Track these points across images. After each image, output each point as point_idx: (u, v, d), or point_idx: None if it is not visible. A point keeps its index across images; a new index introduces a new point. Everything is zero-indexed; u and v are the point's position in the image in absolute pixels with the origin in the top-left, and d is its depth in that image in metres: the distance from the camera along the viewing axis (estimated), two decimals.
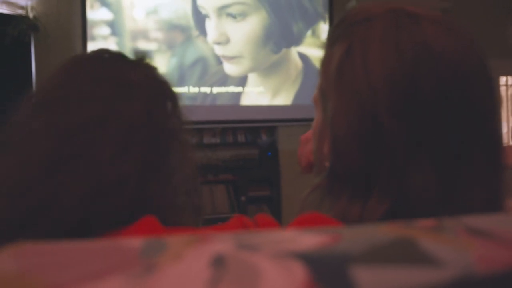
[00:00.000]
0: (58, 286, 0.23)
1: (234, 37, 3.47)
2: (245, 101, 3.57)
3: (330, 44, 0.50)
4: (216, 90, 3.49)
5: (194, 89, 3.46)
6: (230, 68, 3.51)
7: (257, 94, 3.56)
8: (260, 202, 3.70)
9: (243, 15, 3.48)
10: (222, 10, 3.45)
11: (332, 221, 0.43)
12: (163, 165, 0.55)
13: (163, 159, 0.55)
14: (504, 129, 1.07)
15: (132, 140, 0.52)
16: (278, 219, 3.56)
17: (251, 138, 3.75)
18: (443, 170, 0.43)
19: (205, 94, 3.48)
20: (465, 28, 0.48)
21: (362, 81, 0.44)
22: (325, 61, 0.49)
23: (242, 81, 3.55)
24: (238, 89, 3.53)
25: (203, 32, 3.41)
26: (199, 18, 3.41)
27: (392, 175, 0.43)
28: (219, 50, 3.46)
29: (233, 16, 3.46)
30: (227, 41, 3.46)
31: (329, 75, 0.47)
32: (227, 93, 3.52)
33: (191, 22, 3.40)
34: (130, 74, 0.58)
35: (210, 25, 3.43)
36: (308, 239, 0.27)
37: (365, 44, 0.45)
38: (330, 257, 0.25)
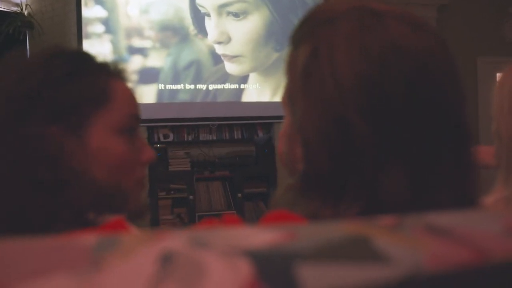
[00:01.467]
0: (5, 282, 0.23)
1: (235, 36, 3.46)
2: (245, 99, 3.56)
3: (294, 45, 0.49)
4: (215, 87, 3.48)
5: (190, 86, 3.46)
6: (231, 67, 3.51)
7: (257, 92, 3.56)
8: (257, 199, 3.71)
9: (244, 14, 3.48)
10: (222, 9, 3.44)
11: (298, 219, 0.43)
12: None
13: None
14: (493, 127, 1.07)
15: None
16: None
17: (248, 135, 3.75)
18: (413, 172, 0.43)
19: (202, 91, 3.48)
20: (430, 25, 0.47)
21: (329, 84, 0.43)
22: (290, 62, 0.48)
23: (242, 79, 3.54)
24: (238, 86, 3.52)
25: (201, 30, 3.41)
26: (198, 16, 3.40)
27: (363, 178, 0.42)
28: (220, 50, 3.46)
29: (234, 15, 3.45)
30: (228, 40, 3.46)
31: (295, 78, 0.46)
32: (227, 90, 3.52)
33: (187, 20, 3.39)
34: None
35: (210, 24, 3.43)
36: (261, 237, 0.27)
37: (331, 46, 0.44)
38: (278, 254, 0.25)
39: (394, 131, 0.42)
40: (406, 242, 0.27)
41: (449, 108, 0.44)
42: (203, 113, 3.51)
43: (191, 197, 3.52)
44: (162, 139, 3.56)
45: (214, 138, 3.68)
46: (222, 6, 3.44)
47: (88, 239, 0.28)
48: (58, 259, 0.25)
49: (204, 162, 3.65)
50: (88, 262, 0.24)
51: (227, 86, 3.50)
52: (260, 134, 3.74)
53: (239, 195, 3.62)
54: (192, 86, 3.46)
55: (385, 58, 0.42)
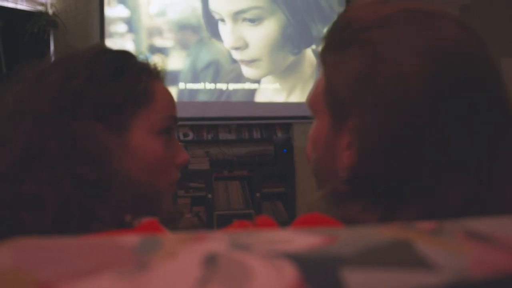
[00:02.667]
0: (52, 281, 0.24)
1: (251, 42, 3.47)
2: (260, 98, 3.56)
3: (336, 49, 0.48)
4: (231, 87, 3.49)
5: (210, 86, 3.47)
6: (248, 72, 3.52)
7: (273, 92, 3.56)
8: (275, 199, 3.70)
9: (260, 19, 3.48)
10: (238, 15, 3.45)
11: (332, 222, 0.42)
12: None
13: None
14: None
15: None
16: (293, 215, 3.55)
17: (267, 135, 3.74)
18: (471, 179, 0.43)
19: (220, 90, 3.49)
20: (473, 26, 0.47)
21: (396, 86, 0.42)
22: (334, 66, 0.47)
23: (258, 79, 3.55)
24: (254, 85, 3.53)
25: (215, 35, 3.42)
26: (211, 22, 3.42)
27: (425, 183, 0.42)
28: (237, 55, 3.47)
29: (250, 21, 3.46)
30: (245, 46, 3.47)
31: (346, 81, 0.45)
32: (243, 90, 3.52)
33: (203, 24, 3.41)
34: None
35: (225, 30, 3.44)
36: (302, 240, 0.27)
37: (392, 48, 0.43)
38: (322, 258, 0.25)
39: (457, 134, 0.42)
40: (449, 247, 0.27)
41: (502, 108, 0.44)
42: (222, 113, 3.53)
43: (209, 195, 3.53)
44: (182, 137, 3.58)
45: (234, 137, 3.69)
46: (238, 13, 3.45)
47: (130, 239, 0.28)
48: (103, 259, 0.25)
49: (223, 161, 3.67)
50: (134, 263, 0.25)
51: (242, 86, 3.51)
52: (279, 134, 3.74)
53: (258, 194, 3.62)
54: (211, 86, 3.47)
55: (446, 58, 0.43)
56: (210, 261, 0.25)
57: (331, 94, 0.48)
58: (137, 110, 0.61)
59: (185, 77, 3.41)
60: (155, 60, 0.67)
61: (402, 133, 0.42)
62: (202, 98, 3.47)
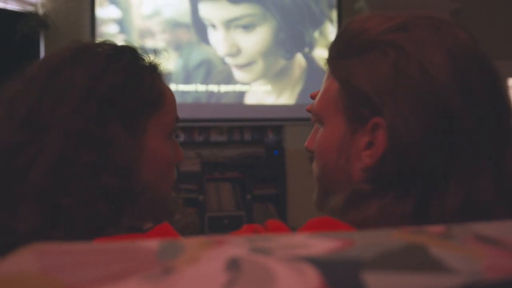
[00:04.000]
0: (79, 286, 0.24)
1: (244, 48, 3.49)
2: (250, 99, 3.57)
3: (354, 54, 0.49)
4: (222, 88, 3.50)
5: (201, 87, 3.47)
6: (241, 76, 3.53)
7: (263, 94, 3.57)
8: (266, 201, 3.71)
9: (252, 26, 3.50)
10: (231, 23, 3.46)
11: (343, 226, 0.43)
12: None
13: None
14: None
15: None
16: (284, 217, 3.56)
17: (258, 137, 3.75)
18: (496, 170, 0.46)
19: (211, 92, 3.49)
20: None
21: (427, 82, 0.45)
22: (358, 70, 0.48)
23: (249, 83, 3.56)
24: (244, 87, 3.54)
25: (204, 40, 3.42)
26: (200, 27, 3.42)
27: (462, 176, 0.45)
28: (230, 61, 3.48)
29: (243, 27, 3.48)
30: (238, 52, 3.49)
31: (375, 83, 0.47)
32: (233, 91, 3.53)
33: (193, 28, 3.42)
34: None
35: (218, 36, 3.45)
36: (321, 244, 0.28)
37: (418, 49, 0.46)
38: (342, 262, 0.25)
39: (483, 125, 0.46)
40: (461, 251, 0.28)
41: (509, 104, 0.49)
42: (214, 114, 3.53)
43: (201, 197, 3.53)
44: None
45: (225, 139, 3.69)
46: (231, 21, 3.47)
47: (151, 244, 0.28)
48: (129, 264, 0.26)
49: (215, 163, 3.67)
50: (159, 267, 0.25)
51: (232, 87, 3.52)
52: (271, 136, 3.75)
53: (249, 196, 3.62)
54: (202, 87, 3.48)
55: (467, 58, 0.47)
56: (233, 265, 0.25)
57: (351, 96, 0.50)
58: (153, 113, 0.60)
59: (177, 78, 3.40)
60: (158, 59, 0.66)
61: (435, 126, 0.45)
62: (193, 99, 3.46)
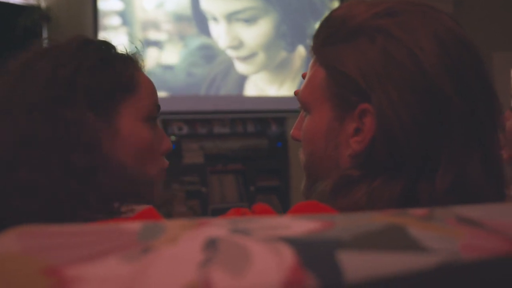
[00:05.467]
0: (59, 265, 0.24)
1: (246, 40, 3.48)
2: (251, 88, 3.58)
3: (341, 41, 0.49)
4: (222, 77, 3.50)
5: (201, 75, 3.48)
6: (243, 68, 3.53)
7: (264, 83, 3.58)
8: (269, 192, 3.72)
9: (254, 19, 3.50)
10: (232, 16, 3.46)
11: (329, 209, 0.44)
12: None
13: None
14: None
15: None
16: (287, 209, 3.57)
17: (261, 129, 3.75)
18: (483, 152, 0.47)
19: (212, 84, 3.50)
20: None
21: (416, 66, 0.45)
22: (346, 57, 0.48)
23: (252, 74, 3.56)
24: (244, 75, 3.54)
25: (204, 32, 3.42)
26: (201, 19, 3.42)
27: (450, 159, 0.45)
28: (232, 53, 3.48)
29: (245, 21, 3.47)
30: (240, 45, 3.48)
31: (364, 68, 0.47)
32: (232, 80, 3.53)
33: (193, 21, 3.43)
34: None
35: (219, 29, 3.44)
36: (300, 225, 0.28)
37: (406, 33, 0.46)
38: (319, 242, 0.26)
39: (472, 107, 0.46)
40: (440, 231, 0.28)
41: (492, 88, 0.49)
42: (216, 107, 3.53)
43: (204, 189, 3.54)
44: (176, 131, 3.58)
45: (228, 131, 3.69)
46: (233, 14, 3.46)
47: (133, 225, 0.29)
48: (109, 244, 0.26)
49: (218, 155, 3.67)
50: (138, 247, 0.26)
51: (232, 76, 3.52)
52: (273, 127, 3.75)
53: (252, 188, 3.63)
54: (203, 75, 3.48)
55: (455, 43, 0.47)
56: (211, 245, 0.26)
57: (338, 83, 0.49)
58: (125, 97, 0.63)
59: (180, 69, 3.41)
60: (136, 48, 0.69)
61: (424, 109, 0.45)
62: (195, 91, 3.47)
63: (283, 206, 3.62)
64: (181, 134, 3.59)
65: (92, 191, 0.55)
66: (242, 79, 3.56)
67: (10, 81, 0.61)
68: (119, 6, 3.25)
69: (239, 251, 0.25)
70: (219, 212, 3.51)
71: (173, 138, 3.54)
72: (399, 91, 0.45)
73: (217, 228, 0.28)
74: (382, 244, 0.26)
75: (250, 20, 3.48)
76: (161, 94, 3.36)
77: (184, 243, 0.26)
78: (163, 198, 0.64)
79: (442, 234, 0.27)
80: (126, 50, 0.67)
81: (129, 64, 0.65)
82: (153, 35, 3.34)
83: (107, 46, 0.65)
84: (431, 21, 0.47)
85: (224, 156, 3.68)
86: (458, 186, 0.44)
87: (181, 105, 3.44)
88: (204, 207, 3.52)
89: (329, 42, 0.50)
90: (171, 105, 3.37)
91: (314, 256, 0.24)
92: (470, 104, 0.46)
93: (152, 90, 0.68)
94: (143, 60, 0.69)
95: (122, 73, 0.63)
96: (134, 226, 0.28)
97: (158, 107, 0.68)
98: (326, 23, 0.52)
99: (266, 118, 3.70)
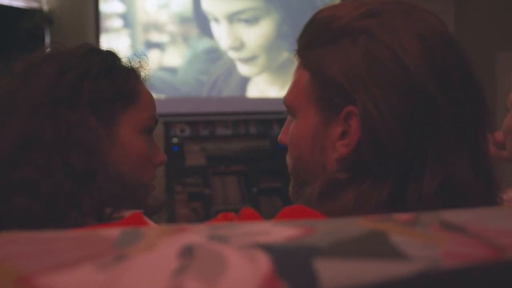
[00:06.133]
0: (32, 273, 0.24)
1: (248, 41, 3.48)
2: (252, 89, 3.57)
3: (324, 44, 0.49)
4: (224, 78, 3.50)
5: (203, 78, 3.48)
6: (245, 69, 3.52)
7: (265, 84, 3.57)
8: (272, 194, 3.71)
9: (256, 19, 3.49)
10: (234, 16, 3.45)
11: (316, 214, 0.43)
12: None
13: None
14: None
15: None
16: None
17: (263, 130, 3.75)
18: (471, 150, 0.46)
19: (214, 86, 3.50)
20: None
21: (400, 67, 0.44)
22: (329, 59, 0.48)
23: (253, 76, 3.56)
24: (246, 77, 3.54)
25: (206, 33, 3.42)
26: (202, 20, 3.42)
27: (439, 156, 0.44)
28: (234, 55, 3.47)
29: (245, 21, 3.47)
30: (242, 46, 3.48)
31: (347, 71, 0.46)
32: (234, 81, 3.53)
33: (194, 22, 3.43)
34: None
35: (221, 30, 3.44)
36: (280, 232, 0.28)
37: (388, 34, 0.46)
38: (296, 249, 0.25)
39: (457, 107, 0.45)
40: (423, 238, 0.28)
41: (481, 93, 0.48)
42: (218, 108, 3.53)
43: (206, 191, 3.54)
44: (178, 133, 3.58)
45: (230, 133, 3.69)
46: (234, 14, 3.46)
47: (111, 232, 0.28)
48: (84, 252, 0.26)
49: (220, 156, 3.67)
50: (113, 255, 0.25)
51: (234, 78, 3.52)
52: (276, 129, 3.74)
53: (254, 189, 3.63)
54: (205, 78, 3.48)
55: (439, 43, 0.46)
56: (187, 252, 0.25)
57: (322, 86, 0.49)
58: (126, 107, 0.64)
59: (182, 71, 3.41)
60: (139, 62, 0.70)
61: (409, 111, 0.44)
62: (196, 93, 3.47)
63: None
64: (183, 136, 3.59)
65: (87, 195, 0.56)
66: (244, 80, 3.56)
67: (15, 82, 0.62)
68: (121, 8, 3.26)
69: (215, 258, 0.25)
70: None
71: (175, 140, 3.54)
72: (383, 92, 0.44)
73: (195, 234, 0.27)
74: (361, 251, 0.26)
75: (251, 21, 3.48)
76: (163, 96, 3.37)
77: (160, 250, 0.25)
78: (157, 204, 0.64)
79: (424, 241, 0.27)
80: (130, 62, 0.69)
81: (132, 76, 0.67)
82: (155, 37, 3.35)
83: (113, 57, 0.67)
84: (414, 21, 0.47)
85: (227, 158, 3.67)
86: (446, 188, 0.43)
87: (183, 107, 3.44)
88: (207, 209, 3.52)
89: (312, 45, 0.50)
90: (173, 107, 3.38)
91: (290, 264, 0.24)
92: (455, 104, 0.45)
93: (152, 104, 0.69)
94: (145, 73, 0.70)
95: (125, 83, 0.64)
96: (112, 233, 0.28)
97: (156, 120, 0.69)
98: (310, 26, 0.51)
99: (268, 119, 3.70)
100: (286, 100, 0.53)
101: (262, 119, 3.70)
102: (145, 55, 0.71)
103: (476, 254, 0.26)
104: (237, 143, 3.73)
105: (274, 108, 3.55)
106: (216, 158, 3.67)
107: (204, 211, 3.53)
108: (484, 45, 3.59)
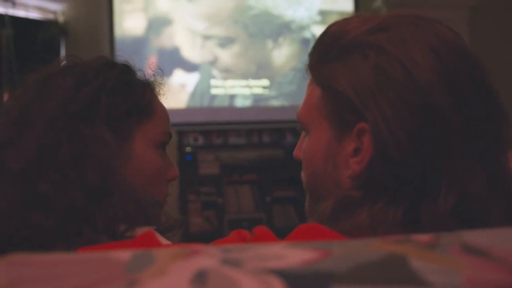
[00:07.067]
0: None
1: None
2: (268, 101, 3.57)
3: (334, 59, 0.48)
4: (240, 91, 3.51)
5: (220, 91, 3.49)
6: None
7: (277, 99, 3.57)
8: (285, 203, 3.69)
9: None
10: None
11: (330, 233, 0.42)
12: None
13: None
14: None
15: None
16: (303, 219, 3.54)
17: (277, 139, 3.74)
18: (487, 167, 0.44)
19: (229, 95, 3.50)
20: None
21: (412, 83, 0.43)
22: (340, 75, 0.47)
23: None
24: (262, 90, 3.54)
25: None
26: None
27: (453, 175, 0.43)
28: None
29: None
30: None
31: (357, 86, 0.45)
32: (251, 94, 3.53)
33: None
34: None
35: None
36: (294, 255, 0.27)
37: (398, 48, 0.44)
38: (313, 275, 0.24)
39: (473, 124, 0.44)
40: (443, 263, 0.27)
41: (498, 103, 0.46)
42: (232, 117, 3.53)
43: (220, 200, 3.53)
44: (192, 142, 3.59)
45: (243, 142, 3.69)
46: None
47: (122, 255, 0.28)
48: (95, 277, 0.25)
49: (233, 165, 3.67)
50: (125, 280, 0.25)
51: (251, 90, 3.52)
52: (289, 138, 3.73)
53: (268, 198, 3.61)
54: (222, 91, 3.49)
55: (452, 55, 0.45)
56: (200, 277, 0.25)
57: (334, 101, 0.48)
58: (141, 122, 0.63)
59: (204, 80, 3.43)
60: (155, 77, 0.69)
61: (420, 127, 0.43)
62: (210, 102, 3.48)
63: (300, 217, 3.59)
64: (196, 145, 3.60)
65: (101, 212, 0.55)
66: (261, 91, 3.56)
67: (32, 94, 0.61)
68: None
69: (228, 284, 0.24)
70: (235, 222, 3.50)
71: (188, 149, 3.55)
72: (393, 108, 0.43)
73: (207, 258, 0.27)
74: (381, 278, 0.25)
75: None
76: (177, 105, 3.38)
77: (172, 275, 0.25)
78: (170, 222, 0.64)
79: (445, 267, 0.26)
80: (145, 76, 0.68)
81: (147, 90, 0.66)
82: (169, 42, 3.37)
83: (129, 70, 0.66)
84: (424, 33, 0.45)
85: (240, 167, 3.67)
86: (462, 207, 0.42)
87: (196, 116, 3.45)
88: (220, 218, 3.52)
89: (323, 60, 0.49)
90: (187, 116, 3.39)
91: None
92: (470, 119, 0.43)
93: (166, 118, 0.69)
94: (160, 87, 0.70)
95: (141, 98, 0.64)
96: (123, 256, 0.28)
97: (170, 135, 0.68)
98: (321, 40, 0.51)
99: (281, 128, 3.69)
100: (299, 116, 0.53)
101: (275, 128, 3.69)
102: (160, 69, 0.70)
103: (499, 280, 0.25)
104: (250, 152, 3.72)
105: (288, 117, 3.54)
106: (230, 167, 3.66)
107: (218, 220, 3.52)
108: (498, 53, 3.54)
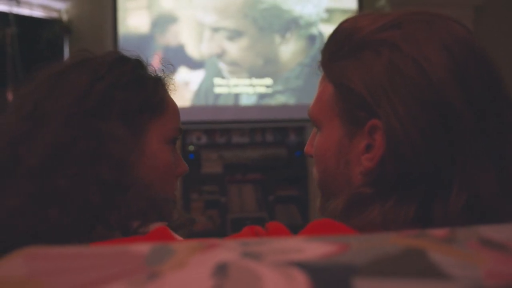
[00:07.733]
0: None
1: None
2: (271, 100, 3.57)
3: (347, 56, 0.48)
4: (244, 90, 3.50)
5: (222, 89, 3.48)
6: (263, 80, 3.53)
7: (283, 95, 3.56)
8: (289, 202, 3.70)
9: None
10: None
11: (344, 228, 0.42)
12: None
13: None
14: None
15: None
16: (306, 219, 3.54)
17: (280, 138, 3.74)
18: (498, 165, 0.44)
19: (233, 94, 3.50)
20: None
21: (424, 80, 0.43)
22: (352, 72, 0.47)
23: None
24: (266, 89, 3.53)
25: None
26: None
27: (466, 173, 0.43)
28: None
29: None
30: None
31: (370, 83, 0.45)
32: (254, 93, 3.53)
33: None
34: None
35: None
36: (314, 249, 0.27)
37: (411, 46, 0.44)
38: (334, 267, 0.24)
39: (484, 121, 0.44)
40: (462, 256, 0.27)
41: (508, 98, 0.46)
42: (235, 116, 3.53)
43: (223, 199, 3.54)
44: (195, 141, 3.59)
45: (247, 141, 3.69)
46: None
47: (141, 248, 0.28)
48: (115, 269, 0.25)
49: (237, 164, 3.67)
50: (145, 273, 0.25)
51: (253, 89, 3.52)
52: (292, 137, 3.73)
53: (271, 197, 3.61)
54: (224, 89, 3.49)
55: (464, 52, 0.44)
56: (221, 270, 0.25)
57: (346, 99, 0.48)
58: (153, 117, 0.63)
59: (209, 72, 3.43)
60: (165, 72, 0.69)
61: (433, 124, 0.43)
62: (214, 101, 3.48)
63: (303, 216, 3.59)
64: (200, 144, 3.60)
65: (115, 208, 0.55)
66: (264, 90, 3.56)
67: (46, 89, 0.61)
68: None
69: (250, 277, 0.24)
70: (238, 221, 3.50)
71: (191, 147, 3.55)
72: (406, 105, 0.43)
73: (227, 251, 0.27)
74: (401, 270, 0.25)
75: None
76: (181, 103, 3.38)
77: (193, 268, 0.25)
78: (182, 220, 0.63)
79: (464, 260, 0.26)
80: (156, 71, 0.68)
81: (159, 86, 0.66)
82: (173, 40, 3.37)
83: (141, 65, 0.66)
84: (438, 31, 0.45)
85: (243, 166, 3.67)
86: (473, 204, 0.42)
87: (200, 114, 3.46)
88: (223, 217, 3.52)
89: (335, 57, 0.49)
90: (190, 115, 3.39)
91: (328, 283, 0.23)
92: (482, 118, 0.43)
93: (177, 114, 0.69)
94: (172, 83, 0.70)
95: (154, 93, 0.64)
96: (142, 248, 0.28)
97: (180, 130, 0.68)
98: (333, 37, 0.51)
99: (285, 127, 3.69)
100: (311, 112, 0.53)
101: (278, 127, 3.69)
102: (171, 64, 0.70)
103: None
104: (253, 151, 3.73)
105: (291, 116, 3.54)
106: (233, 166, 3.67)
107: (220, 219, 3.53)
108: (504, 52, 3.53)
